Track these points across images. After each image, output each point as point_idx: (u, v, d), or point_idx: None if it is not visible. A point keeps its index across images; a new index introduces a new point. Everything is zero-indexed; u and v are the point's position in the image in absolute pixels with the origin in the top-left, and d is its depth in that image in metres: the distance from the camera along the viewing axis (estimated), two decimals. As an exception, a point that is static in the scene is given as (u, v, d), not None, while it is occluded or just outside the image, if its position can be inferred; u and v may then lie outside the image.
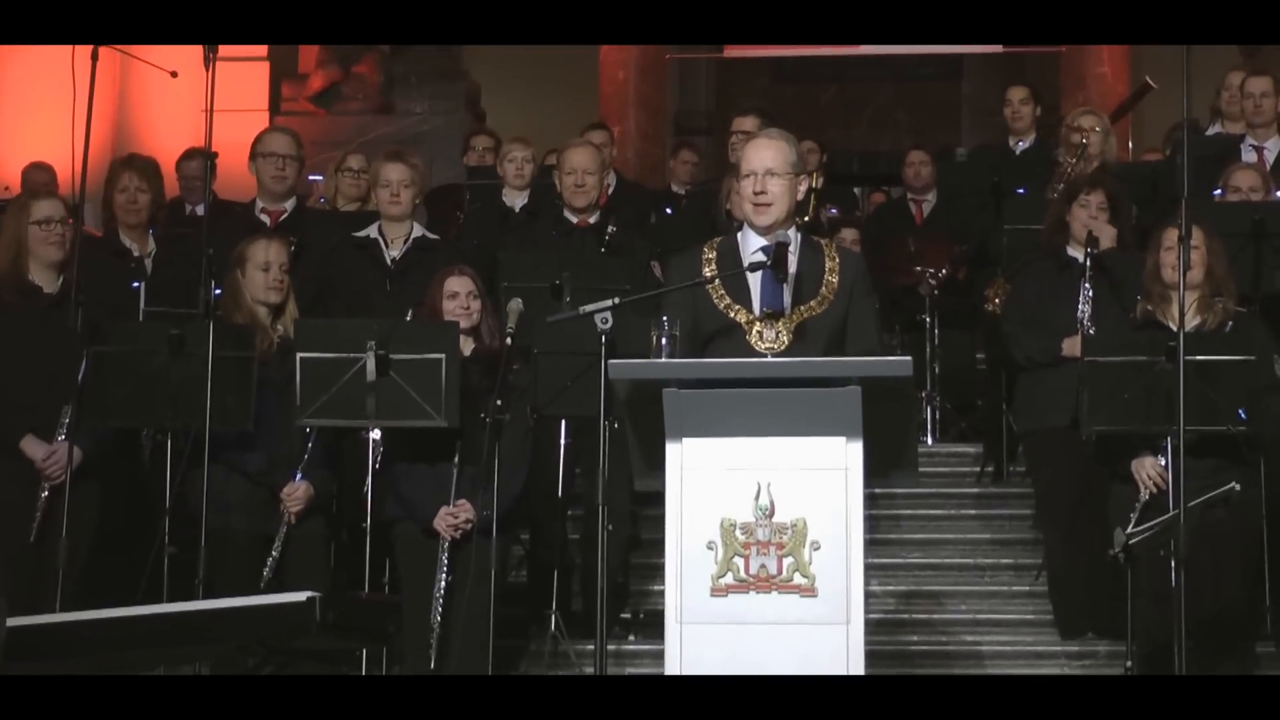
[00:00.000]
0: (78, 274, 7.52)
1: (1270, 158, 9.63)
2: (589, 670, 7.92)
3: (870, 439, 5.52)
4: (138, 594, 7.01)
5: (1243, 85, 10.02)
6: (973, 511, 9.88)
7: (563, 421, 8.26)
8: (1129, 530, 6.94)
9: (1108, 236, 8.41)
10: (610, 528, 6.92)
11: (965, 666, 8.46)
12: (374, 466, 7.48)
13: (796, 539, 5.49)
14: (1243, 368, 7.11)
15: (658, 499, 5.71)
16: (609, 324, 6.17)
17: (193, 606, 5.73)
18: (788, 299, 6.09)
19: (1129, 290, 7.91)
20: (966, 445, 10.59)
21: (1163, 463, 7.31)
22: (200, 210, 9.29)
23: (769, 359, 5.99)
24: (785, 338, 6.08)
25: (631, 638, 8.50)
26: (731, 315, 6.11)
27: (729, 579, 5.50)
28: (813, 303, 6.12)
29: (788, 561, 5.49)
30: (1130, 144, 14.15)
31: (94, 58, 7.52)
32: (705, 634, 5.50)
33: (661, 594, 5.74)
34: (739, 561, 5.50)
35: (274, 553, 7.51)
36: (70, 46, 7.49)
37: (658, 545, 5.80)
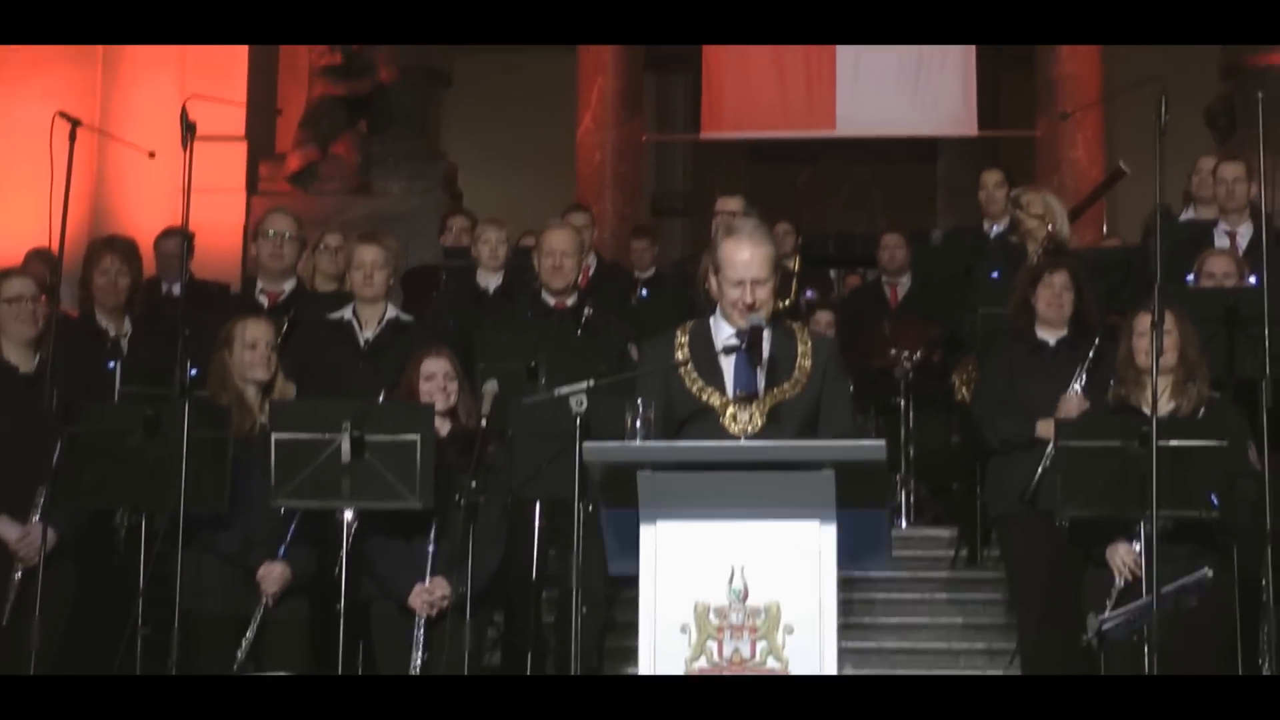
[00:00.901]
0: (53, 354, 7.50)
1: (1243, 243, 9.63)
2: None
3: (844, 522, 5.52)
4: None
5: (1215, 170, 10.04)
6: (945, 595, 9.89)
7: (537, 503, 8.24)
8: (1102, 616, 6.95)
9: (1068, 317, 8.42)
10: (585, 610, 6.90)
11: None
12: (347, 547, 7.44)
13: (770, 623, 5.47)
14: (1216, 453, 7.12)
15: (632, 581, 5.70)
16: (583, 406, 6.16)
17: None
18: (762, 382, 6.10)
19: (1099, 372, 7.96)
20: (941, 528, 10.59)
21: (1137, 549, 7.32)
22: (177, 289, 9.29)
23: (743, 442, 5.98)
24: (759, 420, 6.06)
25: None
26: (704, 399, 6.10)
27: (702, 663, 5.48)
28: (786, 385, 6.11)
29: (761, 645, 5.47)
30: (1105, 228, 14.22)
31: (71, 137, 7.54)
32: (678, 717, 5.48)
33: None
34: (712, 645, 5.48)
35: (248, 635, 7.47)
36: (49, 122, 7.50)
37: (632, 628, 5.81)
